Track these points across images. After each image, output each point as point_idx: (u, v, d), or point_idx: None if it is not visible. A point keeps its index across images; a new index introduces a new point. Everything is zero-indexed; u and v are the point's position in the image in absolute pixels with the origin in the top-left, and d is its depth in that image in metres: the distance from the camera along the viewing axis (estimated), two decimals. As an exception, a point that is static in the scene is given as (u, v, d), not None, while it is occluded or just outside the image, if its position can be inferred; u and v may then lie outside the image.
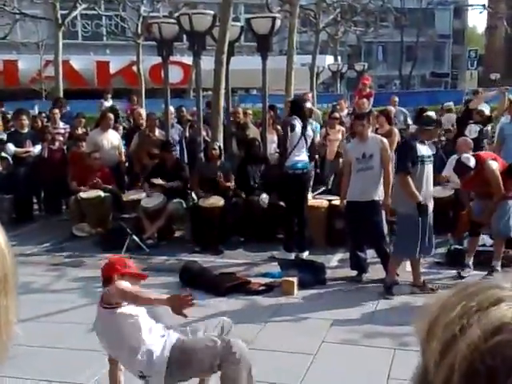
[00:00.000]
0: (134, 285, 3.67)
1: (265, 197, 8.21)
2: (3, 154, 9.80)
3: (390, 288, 6.22)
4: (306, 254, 7.51)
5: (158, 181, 8.39)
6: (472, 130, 9.53)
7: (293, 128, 7.36)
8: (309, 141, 7.64)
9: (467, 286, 0.62)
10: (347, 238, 7.01)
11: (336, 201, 7.88)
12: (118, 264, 3.79)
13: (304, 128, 7.47)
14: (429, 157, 6.16)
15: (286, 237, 7.70)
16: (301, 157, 7.47)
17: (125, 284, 3.58)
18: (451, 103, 13.53)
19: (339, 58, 29.28)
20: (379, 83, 44.08)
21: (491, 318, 0.56)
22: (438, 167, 10.19)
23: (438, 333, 0.60)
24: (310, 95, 12.76)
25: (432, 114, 8.91)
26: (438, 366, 0.59)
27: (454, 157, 8.53)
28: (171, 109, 10.29)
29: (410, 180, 5.94)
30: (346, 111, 13.20)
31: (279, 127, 10.17)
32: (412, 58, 45.38)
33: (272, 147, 9.88)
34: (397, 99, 12.62)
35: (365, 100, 11.56)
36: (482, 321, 0.56)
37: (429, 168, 6.15)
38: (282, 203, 7.84)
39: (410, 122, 12.31)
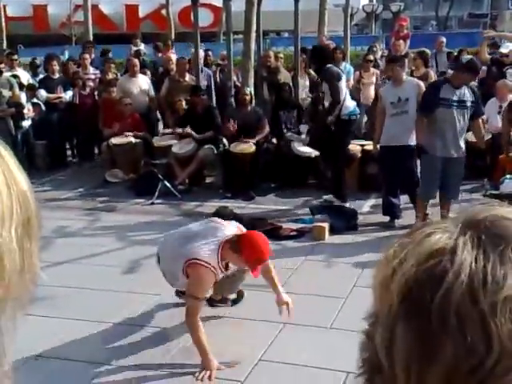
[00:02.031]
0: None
1: (297, 143, 8.12)
2: (35, 100, 9.85)
3: None
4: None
5: (190, 131, 8.37)
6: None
7: (340, 77, 7.23)
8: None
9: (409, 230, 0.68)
10: (380, 183, 6.93)
11: (369, 146, 7.76)
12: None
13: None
14: (460, 102, 5.96)
15: (339, 186, 7.41)
16: (351, 102, 7.38)
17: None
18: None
19: (374, -2, 28.32)
20: (415, 24, 42.74)
21: (424, 247, 0.61)
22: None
23: (381, 271, 0.65)
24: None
25: (469, 57, 8.60)
26: (382, 300, 0.63)
27: (493, 100, 8.29)
28: (201, 53, 10.11)
29: (423, 122, 6.07)
30: (380, 53, 12.84)
31: (312, 71, 9.99)
32: (449, -2, 43.72)
33: (304, 92, 9.71)
34: (443, 40, 11.99)
35: (401, 41, 11.21)
36: (416, 251, 0.62)
37: (458, 113, 5.97)
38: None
39: None
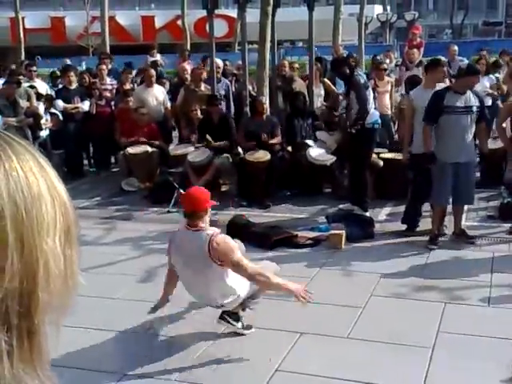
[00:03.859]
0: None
1: (312, 151, 8.11)
2: (53, 111, 9.95)
3: (433, 239, 6.22)
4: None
5: (209, 137, 8.39)
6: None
7: (367, 86, 7.26)
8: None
9: None
10: (396, 191, 6.87)
11: (384, 154, 7.77)
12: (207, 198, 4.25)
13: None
14: (466, 107, 6.01)
15: (361, 195, 7.30)
16: (375, 110, 7.38)
17: (238, 254, 4.01)
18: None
19: (388, 7, 28.39)
20: (430, 33, 42.70)
21: None
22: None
23: None
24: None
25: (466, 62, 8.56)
26: None
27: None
28: (219, 63, 10.15)
29: (428, 129, 6.13)
30: (394, 62, 12.83)
31: (326, 80, 10.00)
32: (464, 7, 43.60)
33: (318, 101, 9.71)
34: (456, 48, 11.95)
35: (415, 50, 11.19)
36: None
37: (464, 118, 6.02)
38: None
39: None
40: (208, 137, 8.38)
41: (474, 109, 6.09)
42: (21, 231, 0.62)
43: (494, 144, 8.25)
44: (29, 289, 0.63)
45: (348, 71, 7.19)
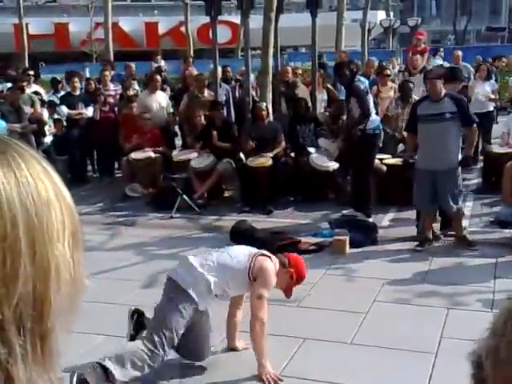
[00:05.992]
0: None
1: (315, 156, 8.12)
2: (57, 116, 9.98)
3: (421, 242, 6.27)
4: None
5: (214, 133, 8.41)
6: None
7: (367, 91, 7.32)
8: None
9: None
10: (410, 196, 6.87)
11: (387, 159, 7.77)
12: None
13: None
14: (437, 115, 6.02)
15: (364, 200, 7.28)
16: (376, 116, 7.41)
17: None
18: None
19: (391, 13, 28.45)
20: (433, 39, 42.69)
21: None
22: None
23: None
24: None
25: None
26: None
27: (512, 113, 8.26)
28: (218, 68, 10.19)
29: (409, 137, 6.69)
30: (397, 68, 12.84)
31: (329, 86, 10.02)
32: (467, 12, 43.65)
33: (322, 106, 9.73)
34: (460, 54, 11.92)
35: (418, 56, 11.17)
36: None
37: (438, 126, 6.01)
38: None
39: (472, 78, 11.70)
40: (214, 133, 8.41)
41: (447, 115, 6.02)
42: (32, 237, 0.63)
43: (496, 149, 8.27)
44: (41, 293, 0.64)
45: (349, 76, 7.22)
